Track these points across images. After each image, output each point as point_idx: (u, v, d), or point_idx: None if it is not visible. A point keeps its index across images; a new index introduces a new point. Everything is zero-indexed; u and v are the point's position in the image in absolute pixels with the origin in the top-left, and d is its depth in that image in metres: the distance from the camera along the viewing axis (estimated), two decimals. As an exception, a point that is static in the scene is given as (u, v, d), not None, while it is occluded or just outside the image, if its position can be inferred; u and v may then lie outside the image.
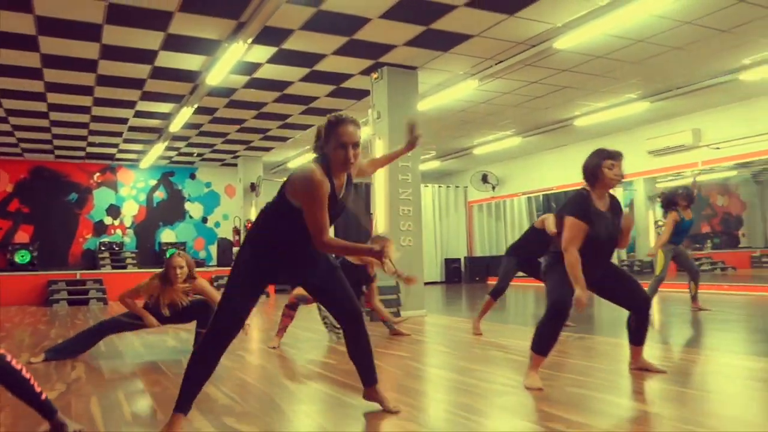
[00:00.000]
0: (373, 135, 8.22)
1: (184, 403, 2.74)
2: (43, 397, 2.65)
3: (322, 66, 7.97)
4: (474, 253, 17.02)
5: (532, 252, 5.65)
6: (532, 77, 8.58)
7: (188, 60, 7.64)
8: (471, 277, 16.14)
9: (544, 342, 3.55)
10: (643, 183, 15.71)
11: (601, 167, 3.56)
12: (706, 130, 10.66)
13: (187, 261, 5.04)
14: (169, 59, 7.60)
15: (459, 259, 16.78)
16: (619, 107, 10.20)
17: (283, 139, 12.66)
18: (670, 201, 7.28)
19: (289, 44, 7.15)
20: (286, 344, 5.53)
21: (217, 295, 4.89)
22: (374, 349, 3.19)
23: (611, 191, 3.72)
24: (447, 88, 8.84)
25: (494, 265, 12.87)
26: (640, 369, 3.85)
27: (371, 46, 7.28)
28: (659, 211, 19.15)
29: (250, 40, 6.74)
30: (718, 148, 10.43)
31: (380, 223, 8.01)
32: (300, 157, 14.29)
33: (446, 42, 7.16)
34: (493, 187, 15.93)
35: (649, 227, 17.28)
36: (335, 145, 2.76)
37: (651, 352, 4.36)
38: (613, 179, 3.57)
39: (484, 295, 6.38)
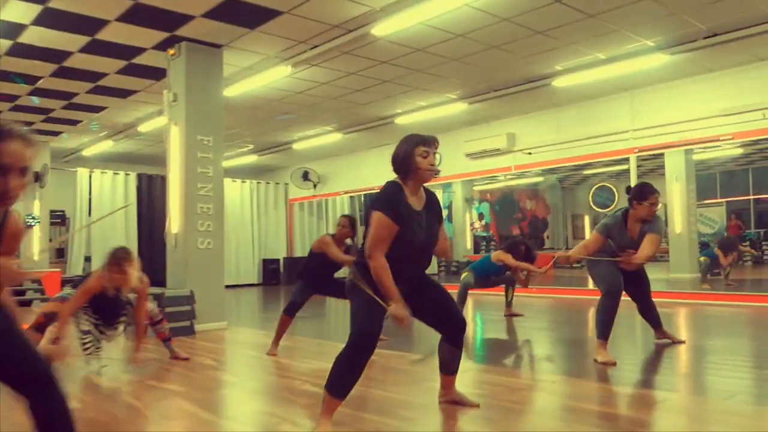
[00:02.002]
0: (168, 121, 7.10)
1: None
2: None
3: (105, 35, 6.69)
4: (294, 253, 16.24)
5: (322, 276, 5.30)
6: (351, 67, 7.98)
7: None
8: (290, 279, 15.31)
9: (341, 381, 2.83)
10: (461, 185, 16.00)
11: (413, 155, 2.94)
12: (520, 134, 10.84)
13: None
14: None
15: (278, 260, 15.91)
16: (440, 107, 9.99)
17: (72, 122, 10.93)
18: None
19: (58, 2, 5.83)
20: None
21: None
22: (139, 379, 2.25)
23: (428, 186, 3.11)
24: (258, 73, 7.96)
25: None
26: (452, 402, 3.29)
27: (164, 15, 6.19)
28: (475, 213, 19.91)
29: (0, -9, 5.36)
30: (530, 153, 10.65)
31: (174, 223, 6.92)
32: (97, 143, 12.55)
33: (252, 17, 6.28)
34: (315, 185, 15.29)
35: (465, 228, 17.73)
36: None
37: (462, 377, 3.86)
38: (427, 170, 2.94)
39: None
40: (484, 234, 20.43)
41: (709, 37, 7.01)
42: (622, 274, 4.58)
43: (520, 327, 6.70)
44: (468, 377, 3.97)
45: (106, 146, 12.66)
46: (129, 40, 6.87)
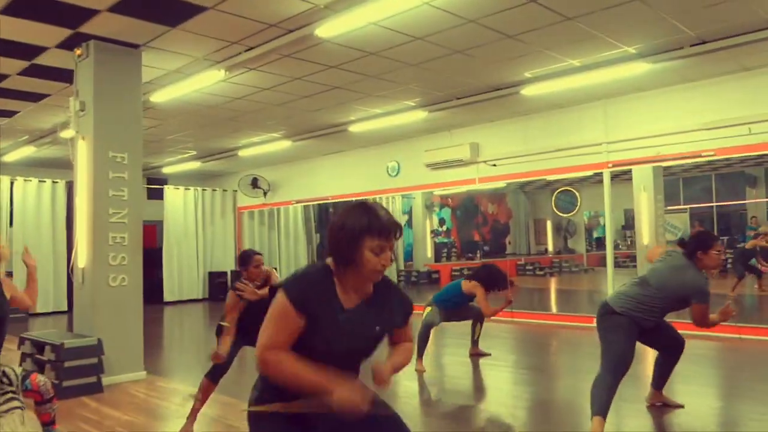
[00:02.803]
0: (75, 134, 6.00)
1: None
2: None
3: (-8, 30, 5.57)
4: (243, 265, 15.13)
5: (248, 323, 4.10)
6: (296, 72, 6.98)
7: None
8: (237, 294, 14.21)
9: None
10: (421, 193, 15.15)
11: (360, 246, 1.89)
12: (485, 145, 9.99)
13: None
14: None
15: (225, 273, 14.78)
16: (397, 115, 9.07)
17: (-18, 126, 9.66)
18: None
19: None
20: None
21: None
22: None
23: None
24: (188, 77, 6.91)
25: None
26: None
27: (61, 8, 5.09)
28: (435, 219, 19.13)
29: None
30: (495, 165, 9.81)
31: (81, 255, 5.83)
32: (19, 149, 11.24)
33: (170, 13, 5.22)
34: (265, 193, 14.22)
35: (426, 236, 16.92)
36: None
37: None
38: (376, 271, 1.93)
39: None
40: (445, 240, 19.67)
41: (697, 44, 6.25)
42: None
43: (487, 376, 5.83)
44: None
45: (29, 151, 11.35)
46: (24, 36, 5.73)
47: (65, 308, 12.02)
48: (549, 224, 22.50)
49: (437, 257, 17.77)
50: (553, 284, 16.79)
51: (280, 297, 1.87)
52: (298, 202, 13.85)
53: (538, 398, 5.07)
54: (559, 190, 20.90)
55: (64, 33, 5.66)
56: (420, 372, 5.84)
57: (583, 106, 8.75)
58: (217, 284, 14.53)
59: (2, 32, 5.61)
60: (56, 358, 5.25)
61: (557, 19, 5.52)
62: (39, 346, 5.55)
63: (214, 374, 4.20)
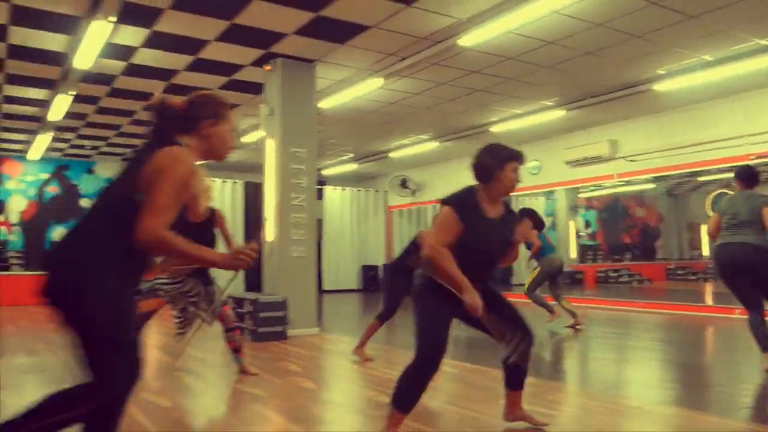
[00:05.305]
0: (265, 135, 7.43)
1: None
2: None
3: (206, 53, 7.12)
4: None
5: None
6: (442, 78, 8.00)
7: (47, 39, 6.64)
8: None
9: (407, 396, 2.83)
10: (565, 193, 15.51)
11: (504, 169, 2.94)
12: (623, 141, 10.39)
13: None
14: (25, 36, 6.58)
15: (376, 266, 16.15)
16: (536, 115, 9.78)
17: (185, 134, 11.66)
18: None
19: (162, 26, 6.27)
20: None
21: None
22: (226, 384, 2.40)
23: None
24: (351, 86, 8.16)
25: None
26: (518, 419, 3.22)
27: (258, 34, 6.49)
28: (581, 221, 19.24)
29: (113, 18, 5.84)
30: (633, 161, 10.17)
31: (269, 231, 7.22)
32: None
33: (342, 32, 6.45)
34: (413, 193, 15.39)
35: (570, 237, 17.16)
36: None
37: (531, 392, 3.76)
38: (512, 186, 2.98)
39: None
40: (590, 243, 19.72)
41: (831, 33, 6.42)
42: None
43: (610, 345, 6.42)
44: (538, 396, 3.86)
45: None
46: (228, 57, 7.26)
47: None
48: (704, 229, 21.64)
49: (582, 258, 17.92)
50: (707, 288, 16.33)
51: (444, 209, 2.89)
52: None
53: (671, 359, 5.61)
54: (715, 192, 20.10)
55: (258, 53, 7.11)
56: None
57: (720, 101, 8.92)
58: (369, 277, 15.94)
59: (212, 54, 7.16)
60: (253, 309, 6.64)
61: (680, 18, 6.04)
62: (238, 302, 6.99)
63: (382, 317, 5.29)
